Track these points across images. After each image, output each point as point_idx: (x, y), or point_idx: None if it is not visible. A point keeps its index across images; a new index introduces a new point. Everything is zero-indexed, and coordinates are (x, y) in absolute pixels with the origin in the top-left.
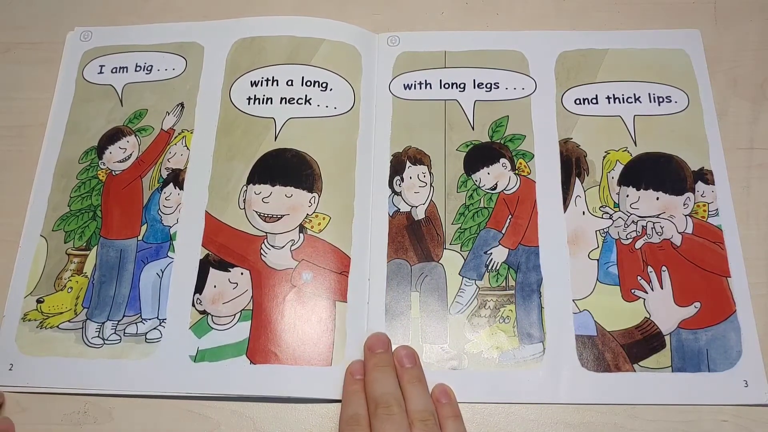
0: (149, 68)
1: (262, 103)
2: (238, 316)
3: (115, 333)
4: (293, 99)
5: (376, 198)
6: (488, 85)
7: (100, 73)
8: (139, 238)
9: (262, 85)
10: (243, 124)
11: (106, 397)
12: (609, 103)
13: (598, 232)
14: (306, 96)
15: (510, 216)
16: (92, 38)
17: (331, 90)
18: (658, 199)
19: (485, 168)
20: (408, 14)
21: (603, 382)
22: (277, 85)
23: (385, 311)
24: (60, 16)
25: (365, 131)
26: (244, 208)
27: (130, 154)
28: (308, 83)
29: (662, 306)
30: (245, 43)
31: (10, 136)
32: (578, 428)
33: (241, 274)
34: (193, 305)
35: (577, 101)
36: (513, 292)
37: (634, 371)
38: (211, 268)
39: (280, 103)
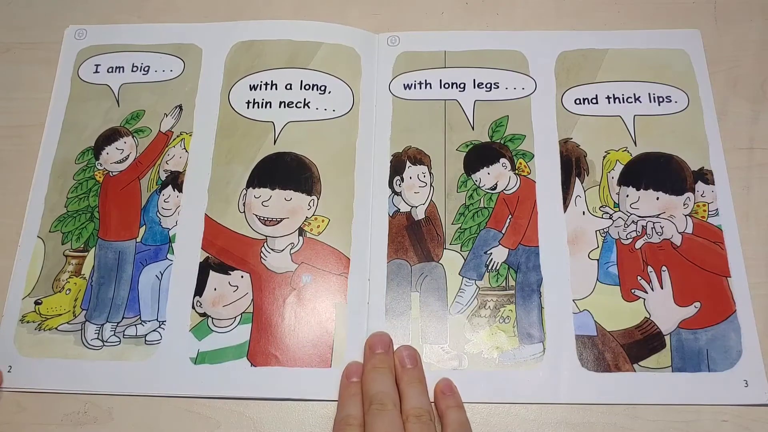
0: (146, 69)
1: (262, 107)
2: (238, 318)
3: (114, 335)
4: (292, 103)
5: (376, 198)
6: (488, 85)
7: (96, 72)
8: (138, 239)
9: (261, 89)
10: (242, 128)
11: (106, 397)
12: (609, 103)
13: (598, 232)
14: (305, 99)
15: (510, 216)
16: (87, 36)
17: (329, 93)
18: (658, 199)
19: (485, 168)
20: (408, 14)
21: (603, 382)
22: (276, 89)
23: (385, 311)
24: (59, 16)
25: (365, 132)
26: (244, 211)
27: (128, 155)
28: (307, 87)
29: (662, 306)
30: (244, 47)
31: (10, 136)
32: (578, 428)
33: (242, 277)
34: (193, 308)
35: (577, 101)
36: (513, 292)
37: (634, 371)
38: (211, 271)
39: (279, 107)
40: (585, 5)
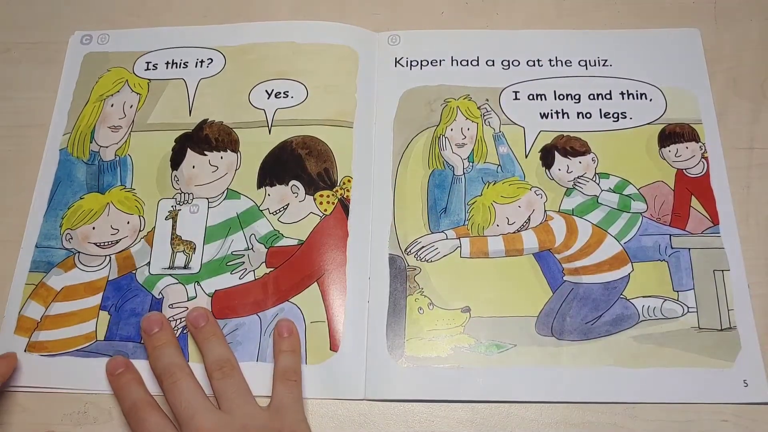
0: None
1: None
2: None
3: None
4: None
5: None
6: None
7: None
8: None
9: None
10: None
11: (106, 397)
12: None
13: None
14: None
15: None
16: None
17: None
18: None
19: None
20: (408, 14)
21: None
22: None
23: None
24: (60, 16)
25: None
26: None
27: None
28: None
29: None
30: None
31: (10, 136)
32: (578, 428)
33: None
34: None
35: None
36: None
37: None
38: None
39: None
40: (585, 5)
